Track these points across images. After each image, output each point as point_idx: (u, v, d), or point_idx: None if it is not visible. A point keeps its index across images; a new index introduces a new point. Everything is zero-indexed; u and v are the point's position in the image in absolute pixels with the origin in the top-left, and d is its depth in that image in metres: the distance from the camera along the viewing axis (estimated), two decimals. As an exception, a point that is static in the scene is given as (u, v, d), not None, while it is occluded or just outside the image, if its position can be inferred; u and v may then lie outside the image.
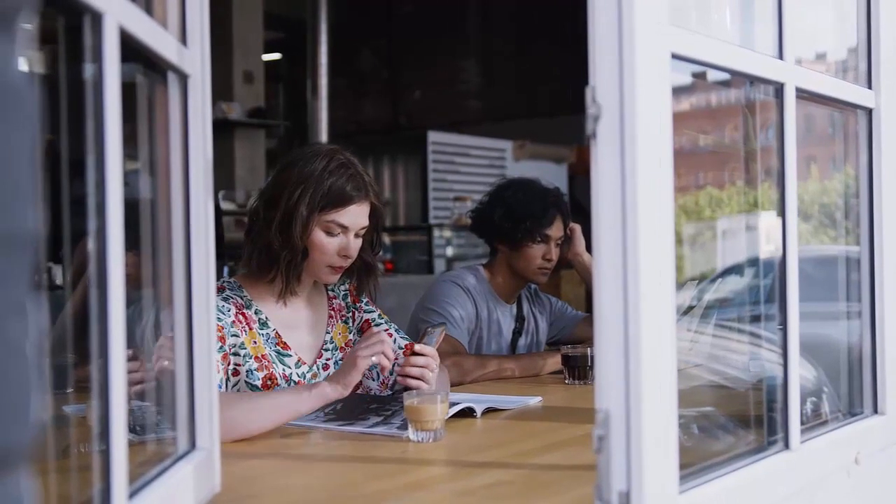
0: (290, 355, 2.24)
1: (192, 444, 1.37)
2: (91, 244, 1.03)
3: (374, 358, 2.00)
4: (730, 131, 2.12)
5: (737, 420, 1.76)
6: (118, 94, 1.03)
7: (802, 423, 1.56)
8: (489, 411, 2.19)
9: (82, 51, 1.03)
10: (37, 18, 0.64)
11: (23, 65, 0.57)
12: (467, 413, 2.12)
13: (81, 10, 0.98)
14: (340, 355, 2.35)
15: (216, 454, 1.42)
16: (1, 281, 0.54)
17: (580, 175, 8.34)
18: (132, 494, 1.10)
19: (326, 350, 2.34)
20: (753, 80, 1.57)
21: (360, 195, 2.22)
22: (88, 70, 1.02)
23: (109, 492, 1.01)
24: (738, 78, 1.61)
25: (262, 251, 2.21)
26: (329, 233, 2.20)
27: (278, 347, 2.23)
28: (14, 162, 0.54)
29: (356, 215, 2.22)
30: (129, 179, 1.11)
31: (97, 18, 1.00)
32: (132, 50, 1.12)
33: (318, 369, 2.30)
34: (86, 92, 1.03)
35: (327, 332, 2.36)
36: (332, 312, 2.39)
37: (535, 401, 2.36)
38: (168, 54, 1.26)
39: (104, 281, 1.01)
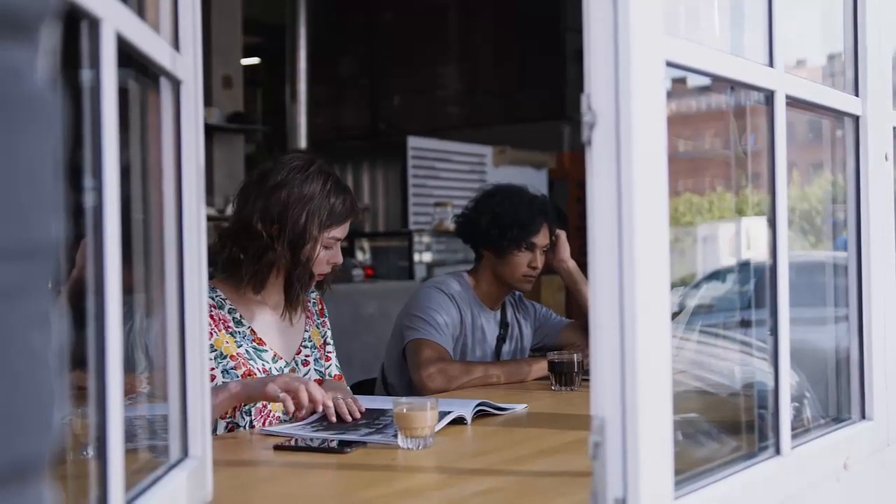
0: (267, 350, 2.31)
1: (185, 453, 1.36)
2: (88, 250, 1.02)
3: (282, 394, 2.00)
4: (709, 137, 2.13)
5: (723, 426, 1.76)
6: (115, 99, 1.03)
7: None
8: (480, 415, 2.19)
9: (77, 55, 1.02)
10: (58, 26, 0.64)
11: (46, 72, 0.57)
12: (456, 420, 2.12)
13: (79, 16, 0.98)
14: (318, 353, 2.45)
15: (208, 463, 1.41)
16: (25, 291, 0.54)
17: (560, 180, 8.36)
18: (127, 503, 1.09)
19: (305, 347, 2.43)
20: (745, 87, 1.58)
21: (355, 210, 2.37)
22: (85, 75, 1.02)
23: (106, 500, 1.00)
24: (718, 84, 1.61)
25: (266, 268, 2.28)
26: (326, 247, 2.32)
27: (254, 344, 2.30)
28: (37, 171, 0.54)
29: (347, 228, 2.37)
30: (120, 185, 1.10)
31: (95, 24, 0.99)
32: (125, 55, 1.11)
33: (297, 364, 2.39)
34: (81, 97, 1.02)
35: (305, 331, 2.45)
36: (309, 313, 2.49)
37: (521, 408, 2.36)
38: (162, 60, 1.25)
39: (101, 287, 1.00)
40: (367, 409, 2.25)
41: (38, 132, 0.55)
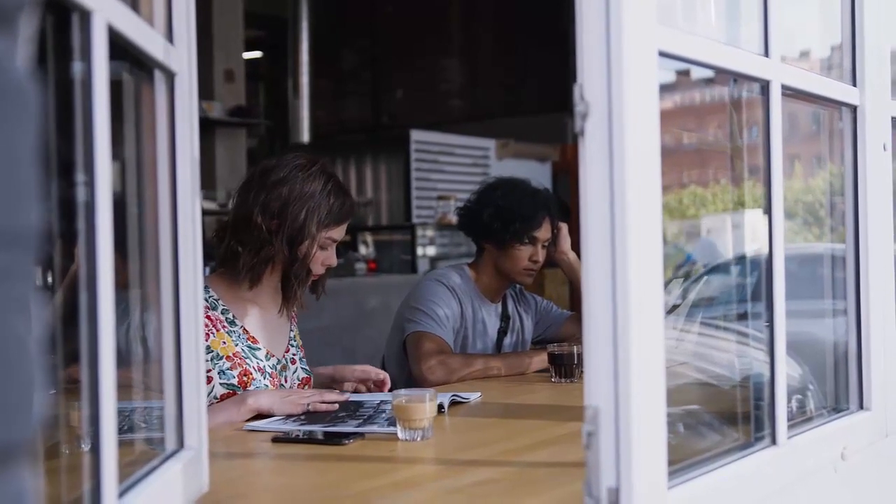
0: (260, 348, 2.35)
1: (181, 444, 1.37)
2: (79, 245, 1.02)
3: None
4: (713, 129, 2.13)
5: (723, 417, 1.77)
6: (106, 92, 1.03)
7: (788, 419, 1.57)
8: (476, 409, 2.21)
9: (69, 48, 1.02)
10: (38, 17, 0.64)
11: (24, 61, 0.57)
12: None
13: (70, 8, 0.98)
14: (302, 353, 2.50)
15: (204, 454, 1.41)
16: (5, 277, 0.54)
17: (563, 173, 8.36)
18: (121, 494, 1.09)
19: (292, 346, 2.47)
20: (740, 77, 1.57)
21: (353, 212, 2.39)
22: (76, 68, 1.02)
23: (99, 491, 1.00)
24: (722, 76, 1.61)
25: (263, 262, 2.30)
26: (322, 247, 2.34)
27: (248, 342, 2.33)
28: (18, 159, 0.55)
29: (344, 230, 2.40)
30: (114, 179, 1.10)
31: (85, 16, 0.99)
32: (118, 48, 1.11)
33: (286, 362, 2.43)
34: (73, 90, 1.03)
35: (291, 330, 2.49)
36: (293, 313, 2.52)
37: (475, 396, 2.39)
38: (155, 52, 1.26)
39: (93, 281, 1.00)
40: (348, 401, 2.26)
41: (18, 121, 0.55)
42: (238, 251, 2.29)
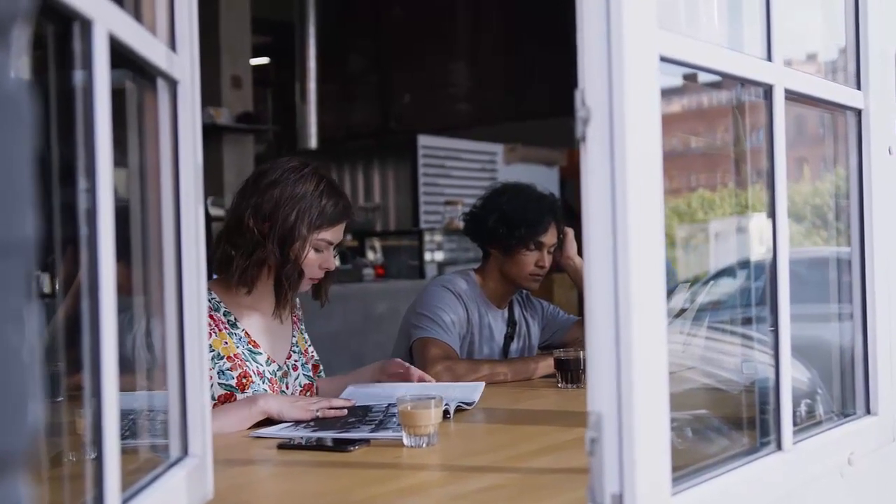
0: (261, 353, 2.35)
1: (185, 451, 1.37)
2: (81, 252, 1.02)
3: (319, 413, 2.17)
4: (721, 133, 2.12)
5: (730, 422, 1.76)
6: (108, 100, 1.03)
7: (796, 424, 1.56)
8: (459, 410, 2.24)
9: (71, 57, 1.02)
10: (31, 26, 0.64)
11: (19, 72, 0.57)
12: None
13: (71, 17, 0.98)
14: (304, 359, 2.49)
15: (209, 461, 1.41)
16: (0, 287, 0.54)
17: (571, 178, 8.34)
18: (125, 501, 1.09)
19: (294, 352, 2.46)
20: (742, 81, 1.57)
21: (348, 214, 2.37)
22: (78, 76, 1.02)
23: (102, 499, 1.00)
24: (729, 80, 1.61)
25: (256, 265, 2.29)
26: (317, 250, 2.33)
27: (250, 346, 2.33)
28: (11, 169, 0.55)
29: (341, 232, 2.38)
30: (118, 186, 1.10)
31: (87, 25, 1.00)
32: (121, 56, 1.12)
33: (288, 368, 2.42)
34: (75, 98, 1.03)
35: (293, 336, 2.48)
36: (295, 319, 2.52)
37: (478, 391, 2.39)
38: (157, 60, 1.26)
39: (95, 289, 1.01)
40: (355, 406, 2.26)
41: (13, 131, 0.55)
42: (232, 255, 2.28)
